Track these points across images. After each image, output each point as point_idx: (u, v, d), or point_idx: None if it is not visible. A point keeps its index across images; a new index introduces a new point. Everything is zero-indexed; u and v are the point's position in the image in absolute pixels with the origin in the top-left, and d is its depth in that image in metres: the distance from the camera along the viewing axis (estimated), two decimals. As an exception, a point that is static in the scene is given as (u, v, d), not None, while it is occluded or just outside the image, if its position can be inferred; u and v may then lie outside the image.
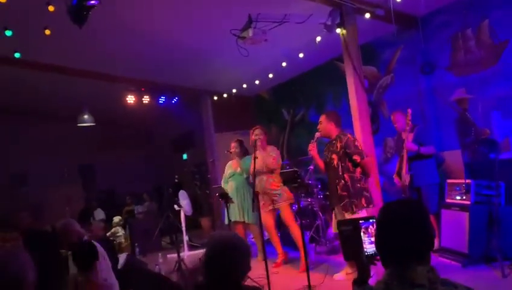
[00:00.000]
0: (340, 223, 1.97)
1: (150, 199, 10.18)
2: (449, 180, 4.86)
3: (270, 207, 5.27)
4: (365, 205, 4.25)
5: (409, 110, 4.80)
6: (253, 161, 4.74)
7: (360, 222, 1.94)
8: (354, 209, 4.19)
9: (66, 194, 9.12)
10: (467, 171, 5.16)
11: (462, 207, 4.41)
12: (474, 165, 5.09)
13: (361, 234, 1.92)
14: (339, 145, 4.38)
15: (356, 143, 4.37)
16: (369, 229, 1.93)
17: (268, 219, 5.33)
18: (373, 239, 1.86)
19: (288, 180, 3.81)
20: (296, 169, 4.00)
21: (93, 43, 6.28)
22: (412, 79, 6.20)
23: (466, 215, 4.30)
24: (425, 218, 1.55)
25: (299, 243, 4.92)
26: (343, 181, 4.29)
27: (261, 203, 5.23)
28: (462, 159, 5.56)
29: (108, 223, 8.52)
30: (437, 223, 4.90)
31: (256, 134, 5.26)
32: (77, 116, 8.69)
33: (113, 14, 5.42)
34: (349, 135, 4.45)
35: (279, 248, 5.50)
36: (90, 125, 8.89)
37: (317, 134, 4.53)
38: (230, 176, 6.01)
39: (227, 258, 1.88)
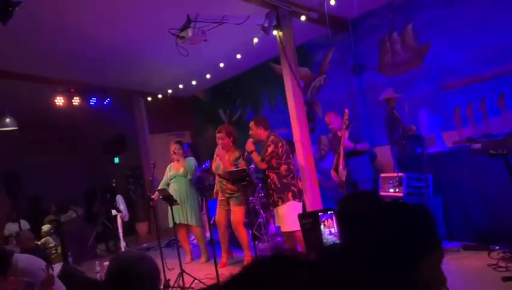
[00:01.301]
0: (300, 217, 2.04)
1: (72, 206, 9.65)
2: (382, 174, 5.16)
3: (226, 207, 5.29)
4: (291, 198, 4.53)
5: (346, 110, 5.04)
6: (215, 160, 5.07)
7: (320, 214, 2.02)
8: (280, 204, 4.51)
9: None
10: (396, 165, 5.51)
11: (395, 199, 4.70)
12: (402, 159, 5.45)
13: (321, 226, 2.00)
14: (264, 147, 4.72)
15: (269, 148, 4.67)
16: (328, 221, 2.02)
17: (222, 217, 5.36)
18: (332, 230, 1.95)
19: (237, 178, 3.84)
20: (245, 168, 4.04)
21: (19, 42, 5.87)
22: (343, 80, 6.50)
23: (399, 206, 4.58)
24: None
25: (245, 244, 5.10)
26: (269, 179, 4.64)
27: (219, 200, 5.28)
28: (392, 154, 5.95)
29: (35, 233, 8.00)
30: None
31: (219, 137, 5.25)
32: (-1, 120, 8.07)
33: (41, 10, 5.12)
34: (272, 137, 4.77)
35: (225, 247, 5.50)
36: (13, 130, 8.29)
37: (250, 140, 4.79)
38: (171, 178, 5.91)
39: (127, 281, 1.69)
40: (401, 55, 5.72)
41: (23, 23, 4.95)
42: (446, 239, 4.50)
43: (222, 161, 5.08)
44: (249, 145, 4.73)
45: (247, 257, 5.08)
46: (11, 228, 8.49)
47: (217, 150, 5.18)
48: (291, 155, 4.97)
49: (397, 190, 4.76)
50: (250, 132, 4.88)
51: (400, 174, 4.78)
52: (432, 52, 5.34)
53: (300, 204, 4.66)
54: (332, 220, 1.93)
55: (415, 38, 5.53)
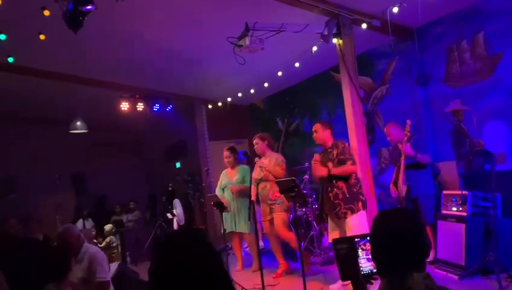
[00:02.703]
0: (335, 242, 1.93)
1: (138, 207, 10.03)
2: (445, 191, 4.84)
3: (269, 217, 5.19)
4: (361, 208, 4.29)
5: (408, 121, 4.80)
6: (256, 169, 4.91)
7: (356, 239, 1.91)
8: (348, 215, 4.21)
9: (56, 202, 8.97)
10: (462, 182, 5.16)
11: (458, 218, 4.40)
12: (469, 176, 5.09)
13: (358, 252, 1.88)
14: (335, 152, 4.39)
15: (351, 150, 4.42)
16: (366, 246, 1.89)
17: (268, 228, 5.26)
18: (370, 256, 1.82)
19: (285, 189, 3.75)
20: (293, 178, 3.96)
21: (88, 50, 6.23)
22: (407, 90, 6.22)
23: (462, 226, 4.28)
24: (419, 226, 1.55)
25: (294, 244, 4.91)
26: (336, 189, 4.30)
27: (262, 212, 5.21)
28: (457, 170, 5.57)
29: (99, 232, 8.40)
30: (433, 234, 4.88)
31: (254, 143, 5.23)
32: (69, 123, 8.59)
33: (110, 20, 5.39)
34: (346, 143, 4.50)
35: (280, 258, 5.37)
36: (83, 132, 8.80)
37: (317, 156, 4.49)
38: (225, 185, 5.90)
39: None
40: (470, 65, 5.36)
41: (92, 32, 5.24)
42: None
43: (270, 169, 4.97)
44: (321, 171, 4.37)
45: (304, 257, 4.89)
46: (89, 224, 9.03)
47: (258, 162, 5.10)
48: None
49: (460, 208, 4.44)
50: (315, 135, 4.58)
51: (464, 192, 4.46)
52: (505, 62, 4.96)
53: (366, 214, 4.38)
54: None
55: (486, 47, 5.17)
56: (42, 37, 5.34)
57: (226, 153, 5.88)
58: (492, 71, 5.11)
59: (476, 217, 4.28)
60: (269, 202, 5.11)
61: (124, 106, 7.91)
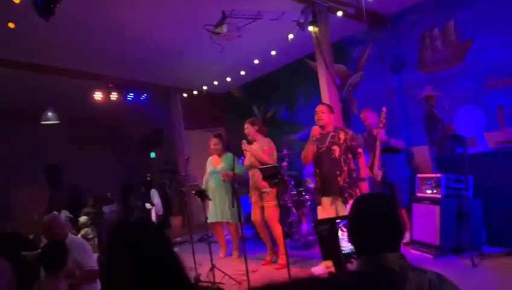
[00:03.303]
0: (317, 223, 1.99)
1: (116, 198, 9.92)
2: (420, 175, 4.99)
3: (260, 204, 5.13)
4: (359, 194, 4.34)
5: (384, 108, 4.89)
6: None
7: (337, 221, 1.97)
8: (348, 201, 4.27)
9: (30, 195, 8.77)
10: (435, 165, 5.32)
11: (432, 201, 4.54)
12: (442, 159, 5.26)
13: (339, 233, 1.94)
14: (342, 137, 4.44)
15: (355, 141, 4.53)
16: (347, 228, 1.96)
17: (259, 216, 5.18)
18: None
19: (268, 175, 3.79)
20: (276, 165, 3.99)
21: (59, 39, 6.05)
22: (381, 77, 6.34)
23: (437, 208, 4.43)
24: (394, 210, 1.63)
25: (280, 240, 4.92)
26: (344, 173, 4.38)
27: (252, 198, 5.18)
28: (430, 154, 5.75)
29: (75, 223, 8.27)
30: (408, 216, 5.04)
31: (245, 128, 5.19)
32: (41, 114, 8.37)
33: (82, 9, 5.26)
34: (351, 132, 4.58)
35: (269, 245, 5.32)
36: (55, 123, 8.59)
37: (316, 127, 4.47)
38: (211, 173, 5.75)
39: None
40: (442, 51, 5.51)
41: (63, 21, 5.10)
42: (487, 244, 4.32)
43: (255, 153, 4.93)
44: (316, 130, 4.40)
45: (282, 254, 4.92)
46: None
47: (243, 146, 4.99)
48: None
49: (435, 191, 4.59)
50: (321, 115, 4.51)
51: (438, 175, 4.61)
52: (475, 49, 5.12)
53: None
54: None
55: (457, 35, 5.32)
56: (11, 25, 5.16)
57: (214, 140, 5.70)
58: (463, 57, 5.27)
59: (450, 199, 4.43)
60: (260, 189, 5.10)
61: (98, 95, 7.77)
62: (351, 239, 1.65)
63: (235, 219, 5.45)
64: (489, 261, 3.97)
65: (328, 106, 4.68)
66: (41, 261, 2.88)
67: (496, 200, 4.33)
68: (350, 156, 4.48)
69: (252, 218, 5.25)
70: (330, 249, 2.02)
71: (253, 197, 5.17)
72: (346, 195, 4.33)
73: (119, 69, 7.62)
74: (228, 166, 5.43)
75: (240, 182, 5.60)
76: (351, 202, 4.22)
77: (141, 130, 11.23)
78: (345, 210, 4.22)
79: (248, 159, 5.10)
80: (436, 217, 4.41)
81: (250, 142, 5.10)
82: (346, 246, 1.99)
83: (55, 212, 7.59)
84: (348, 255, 1.99)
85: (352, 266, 2.00)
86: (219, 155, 5.74)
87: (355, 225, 1.64)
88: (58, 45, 6.30)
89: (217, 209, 5.62)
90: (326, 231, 1.97)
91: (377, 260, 1.49)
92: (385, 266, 1.47)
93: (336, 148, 4.42)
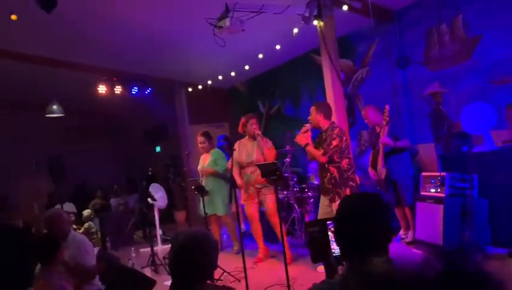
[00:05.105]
0: (307, 225, 1.92)
1: (123, 191, 9.94)
2: (424, 173, 4.90)
3: (256, 199, 5.16)
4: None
5: (387, 107, 4.80)
6: (242, 152, 4.94)
7: (328, 222, 1.90)
8: (336, 200, 4.16)
9: (33, 186, 8.80)
10: (440, 163, 5.23)
11: (436, 199, 4.46)
12: (447, 157, 5.16)
13: (329, 234, 1.88)
14: (324, 136, 4.35)
15: (334, 141, 4.23)
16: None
17: (253, 212, 5.21)
18: None
19: (266, 172, 3.73)
20: (274, 161, 3.93)
21: (63, 31, 6.03)
22: (387, 72, 6.24)
23: (440, 207, 4.35)
24: (381, 210, 1.54)
25: (278, 231, 4.86)
26: (329, 174, 4.26)
27: (247, 195, 5.17)
28: (435, 152, 5.65)
29: (79, 217, 8.29)
30: (412, 215, 4.96)
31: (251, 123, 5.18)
32: (46, 107, 8.37)
33: (85, 0, 5.22)
34: (337, 129, 4.32)
35: (260, 243, 5.36)
36: (59, 116, 8.59)
37: (307, 125, 4.43)
38: (200, 170, 5.97)
39: (191, 254, 1.78)
40: (449, 47, 5.39)
41: (68, 14, 5.07)
42: (491, 245, 4.23)
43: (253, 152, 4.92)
44: (302, 139, 4.35)
45: (287, 248, 4.84)
46: (68, 208, 8.84)
47: (236, 145, 5.08)
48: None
49: (439, 190, 4.51)
50: (309, 118, 4.47)
51: (442, 173, 4.53)
52: (483, 45, 5.00)
53: None
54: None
55: (465, 30, 5.20)
56: (14, 17, 5.13)
57: (200, 139, 5.90)
58: (471, 54, 5.15)
59: (454, 198, 4.34)
60: (258, 186, 5.07)
61: (102, 89, 7.74)
62: (337, 242, 1.57)
63: (228, 212, 5.77)
64: (493, 262, 3.90)
65: (316, 105, 4.51)
66: (31, 254, 2.87)
67: (502, 200, 4.24)
68: (337, 156, 4.27)
69: (247, 213, 5.24)
70: (320, 252, 1.95)
71: (249, 192, 5.13)
72: (331, 195, 4.24)
73: (123, 63, 7.59)
74: (212, 162, 5.74)
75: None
76: (337, 201, 4.16)
77: (146, 124, 11.20)
78: (334, 211, 4.15)
79: (248, 156, 5.09)
80: (439, 216, 4.33)
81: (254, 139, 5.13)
82: (337, 248, 1.93)
83: (58, 206, 7.67)
84: (339, 258, 1.92)
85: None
86: (207, 152, 5.92)
87: (340, 226, 1.55)
88: (63, 37, 6.28)
89: (209, 203, 5.62)
90: (316, 233, 1.91)
91: (359, 264, 1.40)
92: (367, 271, 1.35)
93: (322, 148, 4.31)
